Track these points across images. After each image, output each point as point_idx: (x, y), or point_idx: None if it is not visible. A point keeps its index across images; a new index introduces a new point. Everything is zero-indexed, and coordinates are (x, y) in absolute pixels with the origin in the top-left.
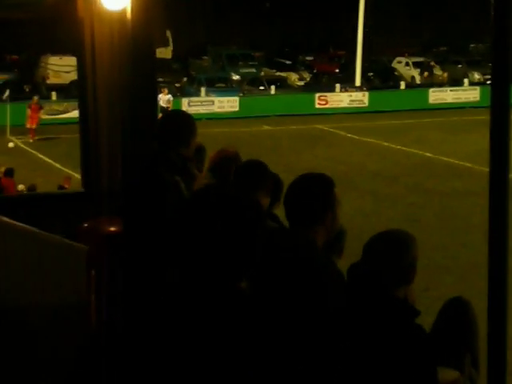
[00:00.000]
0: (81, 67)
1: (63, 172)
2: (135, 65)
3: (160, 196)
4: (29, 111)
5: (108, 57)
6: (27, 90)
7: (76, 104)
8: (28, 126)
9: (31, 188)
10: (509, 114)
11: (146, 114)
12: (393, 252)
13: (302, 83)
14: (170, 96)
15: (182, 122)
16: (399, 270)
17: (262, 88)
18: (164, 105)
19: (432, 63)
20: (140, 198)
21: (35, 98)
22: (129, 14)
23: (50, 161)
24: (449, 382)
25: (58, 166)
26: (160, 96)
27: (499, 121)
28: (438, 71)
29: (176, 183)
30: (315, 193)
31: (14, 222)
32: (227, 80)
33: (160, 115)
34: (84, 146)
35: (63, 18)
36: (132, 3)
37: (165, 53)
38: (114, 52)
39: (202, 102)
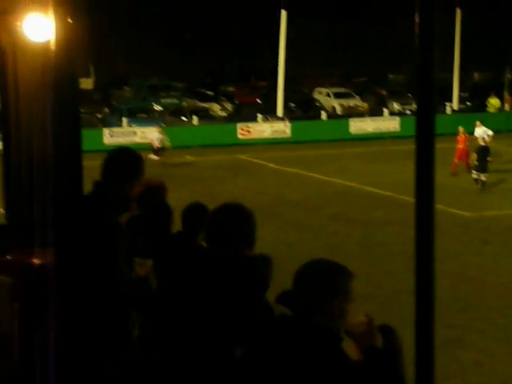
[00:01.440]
0: (3, 98)
1: None
2: (59, 96)
3: (104, 238)
4: None
5: (31, 88)
6: None
7: None
8: None
9: None
10: (433, 145)
11: (70, 146)
12: (322, 281)
13: (224, 114)
14: (164, 136)
15: (130, 160)
16: (328, 299)
17: (184, 119)
18: (159, 145)
19: (352, 94)
20: (77, 235)
21: None
22: (52, 45)
23: None
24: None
25: None
26: (155, 135)
27: (424, 151)
28: (358, 102)
29: (119, 226)
30: (237, 222)
31: None
32: (149, 110)
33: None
34: (7, 179)
35: None
36: (55, 34)
37: (86, 83)
38: (38, 83)
39: (123, 132)
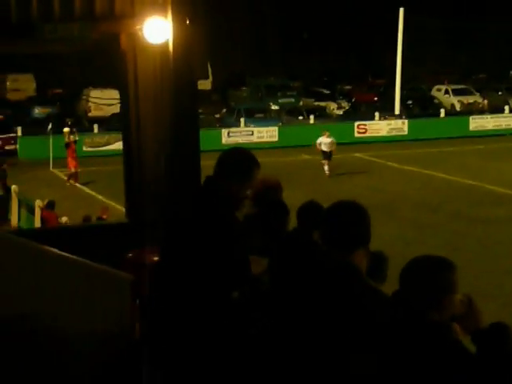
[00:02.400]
0: (124, 100)
1: (106, 203)
2: (177, 97)
3: (222, 233)
4: (69, 153)
5: (151, 89)
6: (69, 122)
7: (118, 136)
8: (73, 169)
9: (86, 219)
10: None
11: (188, 146)
12: (424, 277)
13: (340, 112)
14: (332, 139)
15: (241, 161)
16: (431, 294)
17: (300, 118)
18: (327, 149)
19: (472, 90)
20: (194, 231)
21: (72, 136)
22: (170, 47)
23: (92, 192)
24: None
25: (100, 197)
26: (321, 139)
27: None
28: (477, 98)
29: (235, 221)
30: (351, 219)
31: (62, 253)
32: (266, 110)
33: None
34: (128, 178)
35: (106, 52)
36: (173, 36)
37: (204, 84)
38: (157, 84)
39: (241, 132)
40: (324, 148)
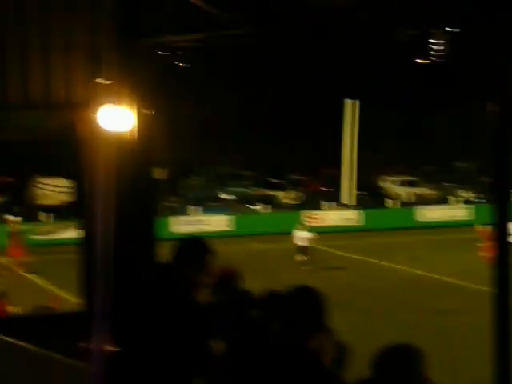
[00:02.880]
0: (79, 187)
1: (55, 293)
2: (134, 185)
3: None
4: (13, 241)
5: (106, 178)
6: (15, 211)
7: (67, 225)
8: (19, 258)
9: (37, 309)
10: (507, 232)
11: (144, 235)
12: (402, 367)
13: (291, 201)
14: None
15: (200, 246)
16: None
17: (251, 207)
18: (301, 243)
19: (419, 181)
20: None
21: (18, 225)
22: (127, 135)
23: (40, 282)
24: None
25: (49, 287)
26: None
27: (501, 239)
28: (425, 190)
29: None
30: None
31: (17, 342)
32: (218, 199)
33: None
34: (83, 267)
35: (61, 140)
36: (130, 124)
37: (161, 173)
38: (113, 173)
39: (191, 220)
40: (299, 243)
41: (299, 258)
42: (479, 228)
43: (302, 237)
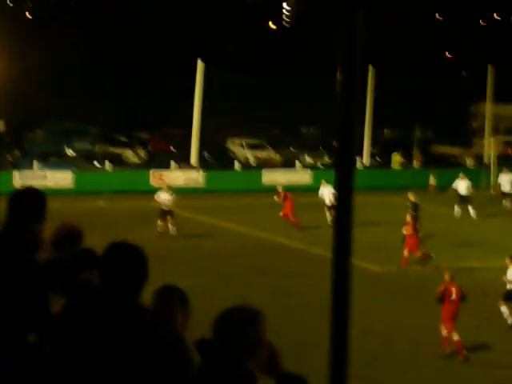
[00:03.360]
0: None
1: None
2: None
3: (22, 277)
4: None
5: None
6: None
7: None
8: None
9: None
10: (352, 199)
11: None
12: (240, 329)
13: (137, 160)
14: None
15: (37, 199)
16: (246, 346)
17: (97, 164)
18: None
19: (266, 145)
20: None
21: None
22: None
23: None
24: None
25: None
26: (159, 194)
27: (343, 205)
28: (271, 153)
29: (35, 263)
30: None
31: None
32: (61, 154)
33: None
34: None
35: None
36: None
37: None
38: None
39: (34, 175)
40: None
41: (160, 224)
42: (279, 189)
43: (164, 199)
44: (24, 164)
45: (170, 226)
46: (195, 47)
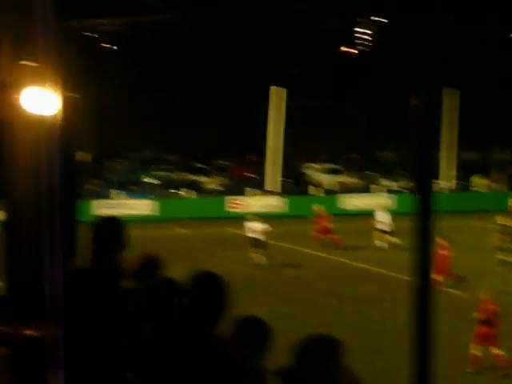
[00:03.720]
0: (3, 170)
1: None
2: (57, 169)
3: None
4: None
5: (29, 160)
6: None
7: None
8: None
9: None
10: (431, 223)
11: (67, 216)
12: (320, 357)
13: (215, 187)
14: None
15: (119, 227)
16: (326, 373)
17: (173, 191)
18: (256, 236)
19: (342, 170)
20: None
21: None
22: (52, 118)
23: None
24: None
25: None
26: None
27: (423, 229)
28: (348, 178)
29: (123, 292)
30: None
31: None
32: (140, 183)
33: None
34: (8, 251)
35: None
36: (55, 107)
37: (85, 156)
38: (36, 156)
39: (113, 204)
40: (253, 235)
41: (253, 254)
42: (316, 208)
43: (253, 228)
44: (104, 193)
45: (260, 255)
46: (271, 73)
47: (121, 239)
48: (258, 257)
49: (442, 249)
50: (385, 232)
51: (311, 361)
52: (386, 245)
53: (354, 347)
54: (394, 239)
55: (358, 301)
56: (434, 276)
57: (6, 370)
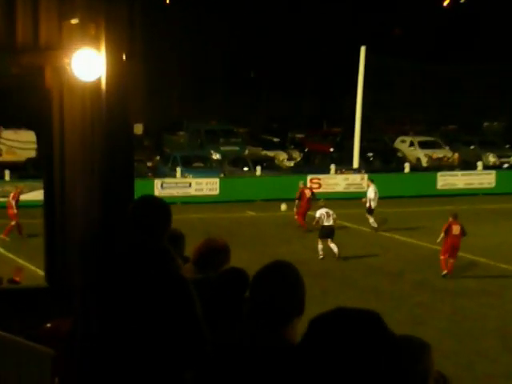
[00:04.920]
0: (46, 143)
1: (19, 263)
2: (110, 141)
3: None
4: (12, 202)
5: (79, 131)
6: None
7: (33, 185)
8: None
9: None
10: None
11: (121, 198)
12: (405, 363)
13: (291, 164)
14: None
15: (161, 210)
16: (413, 381)
17: (245, 169)
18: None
19: (441, 143)
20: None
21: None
22: (103, 85)
23: (1, 250)
24: None
25: (11, 256)
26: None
27: None
28: (447, 153)
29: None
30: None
31: None
32: (206, 159)
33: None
34: (49, 234)
35: (26, 88)
36: (107, 73)
37: (135, 128)
38: (86, 126)
39: (177, 183)
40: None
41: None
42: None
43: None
44: (165, 171)
45: (332, 245)
46: (357, 33)
47: (161, 222)
48: (333, 247)
49: None
50: None
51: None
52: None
53: (451, 349)
54: None
55: (455, 295)
56: None
57: (52, 372)
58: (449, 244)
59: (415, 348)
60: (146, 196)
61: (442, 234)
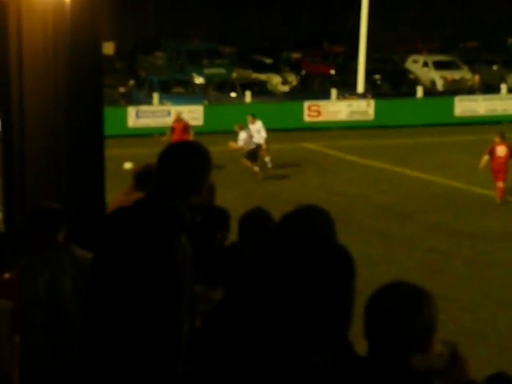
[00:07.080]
0: (2, 69)
1: None
2: (75, 63)
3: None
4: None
5: (40, 53)
6: None
7: None
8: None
9: None
10: None
11: (89, 130)
12: (403, 313)
13: (286, 88)
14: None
15: (197, 160)
16: (411, 335)
17: (233, 94)
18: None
19: (459, 63)
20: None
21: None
22: (67, 1)
23: None
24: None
25: None
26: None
27: None
28: (466, 74)
29: (182, 247)
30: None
31: None
32: (188, 84)
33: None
34: (6, 173)
35: None
36: None
37: (106, 47)
38: (48, 47)
39: (154, 111)
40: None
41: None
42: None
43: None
44: (140, 97)
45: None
46: None
47: (196, 177)
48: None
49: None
50: None
51: (389, 318)
52: None
53: (470, 300)
54: None
55: (475, 238)
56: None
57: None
58: (494, 168)
59: (413, 296)
60: (181, 142)
61: (486, 157)
